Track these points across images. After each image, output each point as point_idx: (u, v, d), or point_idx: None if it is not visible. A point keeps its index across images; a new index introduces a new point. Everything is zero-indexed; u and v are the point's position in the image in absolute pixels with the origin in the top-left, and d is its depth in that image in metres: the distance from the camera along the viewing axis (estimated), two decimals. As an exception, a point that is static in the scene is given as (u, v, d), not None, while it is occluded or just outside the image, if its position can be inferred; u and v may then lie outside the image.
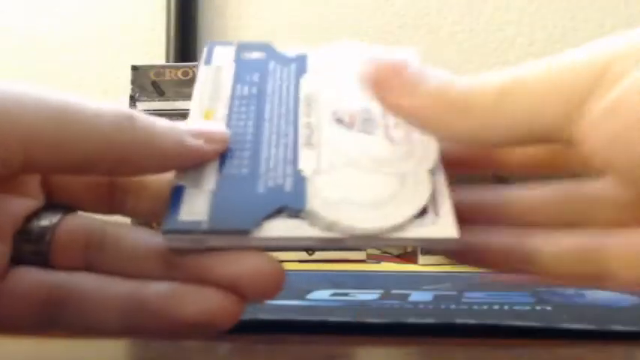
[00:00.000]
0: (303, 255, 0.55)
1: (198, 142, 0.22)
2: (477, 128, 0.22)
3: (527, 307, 0.31)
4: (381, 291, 0.36)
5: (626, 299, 0.33)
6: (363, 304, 0.32)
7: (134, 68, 0.61)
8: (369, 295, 0.34)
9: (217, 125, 0.23)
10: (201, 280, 0.20)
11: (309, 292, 0.36)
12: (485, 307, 0.31)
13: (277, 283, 0.20)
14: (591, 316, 0.29)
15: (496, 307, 0.31)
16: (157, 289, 0.20)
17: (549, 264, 0.22)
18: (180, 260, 0.21)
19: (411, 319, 0.28)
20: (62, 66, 0.89)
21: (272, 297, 0.20)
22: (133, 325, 0.21)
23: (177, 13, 0.86)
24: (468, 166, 0.25)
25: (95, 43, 0.89)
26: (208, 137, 0.22)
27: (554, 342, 0.26)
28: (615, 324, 0.27)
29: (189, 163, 0.22)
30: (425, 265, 0.54)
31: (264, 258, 0.20)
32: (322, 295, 0.35)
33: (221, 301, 0.20)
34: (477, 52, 0.87)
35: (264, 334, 0.27)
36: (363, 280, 0.44)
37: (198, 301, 0.20)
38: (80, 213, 0.23)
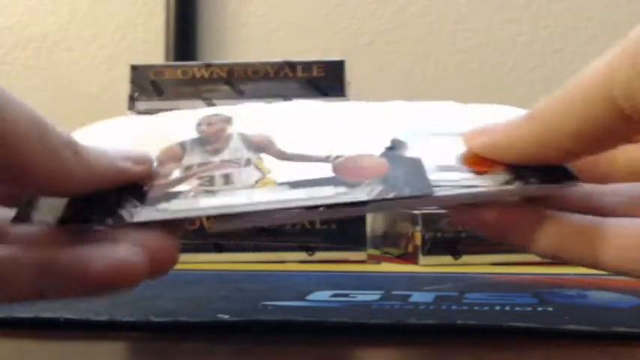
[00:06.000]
0: (304, 255, 0.55)
1: (127, 164, 0.25)
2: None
3: (529, 308, 0.31)
4: (382, 292, 0.36)
5: (628, 300, 0.33)
6: (364, 305, 0.32)
7: (133, 68, 0.60)
8: (370, 296, 0.34)
9: (142, 151, 0.26)
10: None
11: (309, 293, 0.36)
12: (486, 307, 0.31)
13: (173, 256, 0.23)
14: (593, 318, 0.29)
15: (497, 307, 0.31)
16: (67, 250, 0.22)
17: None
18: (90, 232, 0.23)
19: (412, 320, 0.28)
20: (62, 65, 0.89)
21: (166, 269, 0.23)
22: (45, 287, 0.22)
23: (177, 13, 0.86)
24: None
25: (95, 43, 0.89)
26: (135, 160, 0.25)
27: (555, 343, 0.26)
28: (617, 325, 0.27)
29: (121, 182, 0.24)
30: (426, 266, 0.54)
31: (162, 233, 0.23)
32: (322, 296, 0.35)
33: (128, 257, 0.21)
34: (476, 52, 0.87)
35: (264, 335, 0.27)
36: (364, 281, 0.44)
37: (107, 257, 0.21)
38: None
